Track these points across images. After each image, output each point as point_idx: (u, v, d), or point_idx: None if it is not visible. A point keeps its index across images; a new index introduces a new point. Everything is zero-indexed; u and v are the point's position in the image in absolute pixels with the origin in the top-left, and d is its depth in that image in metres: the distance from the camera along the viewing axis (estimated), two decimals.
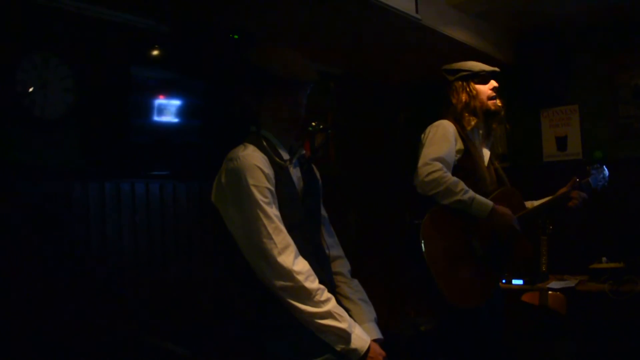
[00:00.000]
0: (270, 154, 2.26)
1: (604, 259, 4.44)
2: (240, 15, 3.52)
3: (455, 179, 2.88)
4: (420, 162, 2.93)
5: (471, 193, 2.88)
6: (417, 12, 3.62)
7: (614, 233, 4.70)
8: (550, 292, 3.99)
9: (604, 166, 3.28)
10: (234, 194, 2.18)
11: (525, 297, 4.05)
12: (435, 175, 2.86)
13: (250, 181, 2.15)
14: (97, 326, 3.09)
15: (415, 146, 3.10)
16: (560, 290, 4.05)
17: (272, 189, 2.19)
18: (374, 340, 2.29)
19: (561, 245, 4.67)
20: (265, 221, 2.13)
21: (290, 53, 2.35)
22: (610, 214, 4.71)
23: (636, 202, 4.63)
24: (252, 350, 2.24)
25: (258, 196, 2.14)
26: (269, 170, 2.20)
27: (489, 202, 2.90)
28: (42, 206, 2.99)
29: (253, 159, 2.19)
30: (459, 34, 4.24)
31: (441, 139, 2.99)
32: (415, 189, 2.96)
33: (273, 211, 2.17)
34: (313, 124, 2.41)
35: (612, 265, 4.32)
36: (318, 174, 2.54)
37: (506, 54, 4.95)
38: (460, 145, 3.03)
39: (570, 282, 4.27)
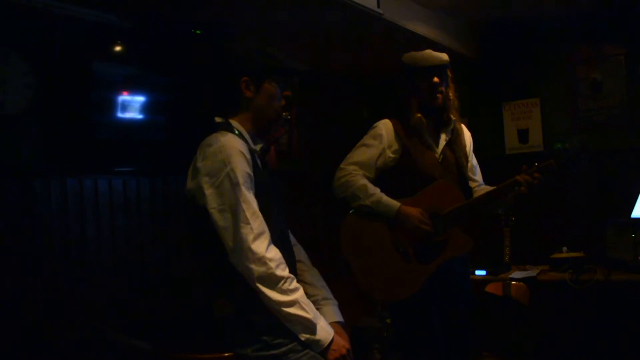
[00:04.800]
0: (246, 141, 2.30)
1: (564, 248, 4.53)
2: (202, 11, 3.51)
3: (362, 183, 3.01)
4: (339, 166, 3.11)
5: (376, 197, 2.98)
6: (378, 6, 3.63)
7: (574, 223, 4.79)
8: (513, 282, 4.04)
9: (582, 145, 3.14)
10: (214, 177, 2.19)
11: (489, 288, 4.10)
12: (343, 180, 3.04)
13: (233, 165, 2.17)
14: (61, 323, 3.07)
15: None
16: (522, 280, 4.11)
17: (252, 174, 2.22)
18: (336, 323, 2.37)
19: (523, 236, 4.76)
20: (244, 205, 2.15)
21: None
22: (570, 205, 4.81)
23: (595, 192, 4.73)
24: (218, 340, 2.25)
25: (240, 180, 2.16)
26: (249, 156, 2.24)
27: (394, 205, 2.98)
28: (1, 203, 2.95)
29: (235, 143, 2.22)
30: (422, 29, 4.28)
31: (368, 142, 3.12)
32: None
33: (252, 196, 2.19)
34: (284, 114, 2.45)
35: (572, 254, 4.41)
36: (270, 166, 2.58)
37: (469, 48, 5.01)
38: (396, 145, 3.09)
39: (532, 272, 4.34)
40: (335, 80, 5.43)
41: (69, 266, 3.18)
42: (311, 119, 5.09)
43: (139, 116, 3.49)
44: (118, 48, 3.44)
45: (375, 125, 3.16)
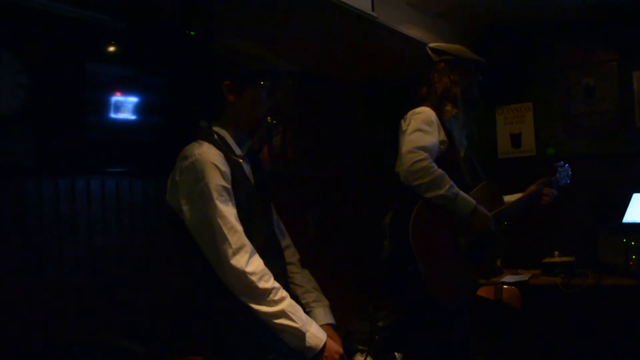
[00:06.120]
0: (225, 150, 2.26)
1: (556, 253, 4.56)
2: (197, 13, 3.50)
3: (441, 171, 2.73)
4: (405, 149, 2.76)
5: (456, 189, 2.75)
6: (373, 10, 3.63)
7: (566, 228, 4.80)
8: (505, 286, 4.05)
9: (567, 165, 3.33)
10: (190, 193, 2.17)
11: (481, 292, 4.11)
12: (422, 164, 2.70)
13: (206, 180, 2.13)
14: (51, 326, 3.05)
15: (373, 143, 3.09)
16: (514, 284, 4.12)
17: (229, 186, 2.18)
18: (328, 325, 2.37)
19: (515, 241, 4.76)
20: (220, 221, 2.12)
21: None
22: (561, 210, 4.82)
23: (587, 197, 4.75)
24: (208, 347, 2.25)
25: (214, 195, 2.13)
26: (225, 167, 2.19)
27: (472, 201, 2.79)
28: None
29: (209, 157, 2.17)
30: (416, 32, 4.27)
31: (424, 127, 2.83)
32: (393, 179, 2.83)
33: (229, 209, 2.15)
34: (268, 118, 2.41)
35: (563, 259, 4.44)
36: (262, 165, 2.55)
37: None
38: (443, 136, 2.90)
39: (523, 276, 4.36)
40: (330, 82, 5.42)
41: (61, 267, 3.16)
42: (305, 120, 5.08)
43: (132, 117, 3.48)
44: (112, 48, 3.43)
45: (420, 110, 2.90)
